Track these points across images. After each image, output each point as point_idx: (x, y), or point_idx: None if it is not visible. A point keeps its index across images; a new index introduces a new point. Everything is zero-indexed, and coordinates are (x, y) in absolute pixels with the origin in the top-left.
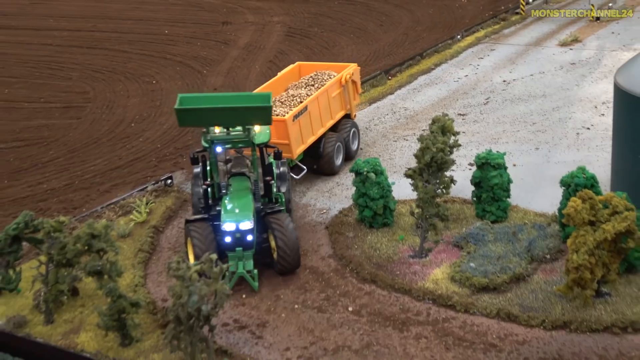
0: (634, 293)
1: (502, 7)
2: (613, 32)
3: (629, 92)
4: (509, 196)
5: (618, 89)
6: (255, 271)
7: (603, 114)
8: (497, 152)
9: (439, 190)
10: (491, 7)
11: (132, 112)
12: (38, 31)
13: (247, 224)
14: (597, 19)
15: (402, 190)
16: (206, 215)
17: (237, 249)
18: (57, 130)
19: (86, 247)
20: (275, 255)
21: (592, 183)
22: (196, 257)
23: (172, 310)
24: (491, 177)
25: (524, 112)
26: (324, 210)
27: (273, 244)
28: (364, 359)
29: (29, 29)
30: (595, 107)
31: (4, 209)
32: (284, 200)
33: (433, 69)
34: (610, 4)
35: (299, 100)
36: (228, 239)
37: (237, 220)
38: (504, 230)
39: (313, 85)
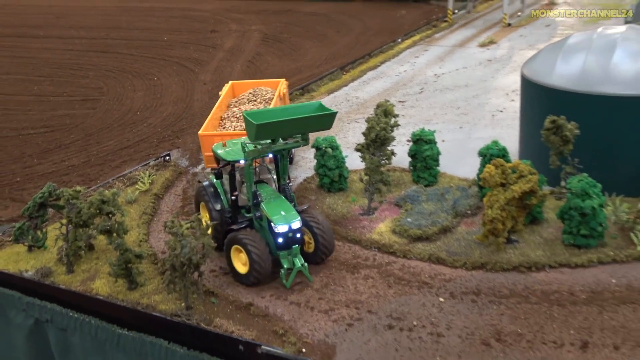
0: (536, 240)
1: (434, 17)
2: (521, 35)
3: (531, 80)
4: (438, 165)
5: (523, 78)
6: (306, 264)
7: (513, 100)
8: (429, 130)
9: (383, 161)
10: (425, 16)
11: (137, 103)
12: (62, 39)
13: (297, 223)
14: (509, 24)
15: (354, 161)
16: (245, 223)
17: (294, 246)
18: (77, 119)
19: (98, 211)
20: (311, 248)
21: (503, 153)
22: (255, 263)
23: (168, 260)
24: (424, 150)
25: (451, 99)
26: (292, 179)
27: (307, 237)
28: (324, 295)
29: (55, 37)
30: (507, 94)
31: (34, 182)
32: (295, 199)
33: (379, 65)
34: (519, 13)
35: None
36: (281, 240)
37: (288, 222)
38: (434, 192)
39: (255, 101)
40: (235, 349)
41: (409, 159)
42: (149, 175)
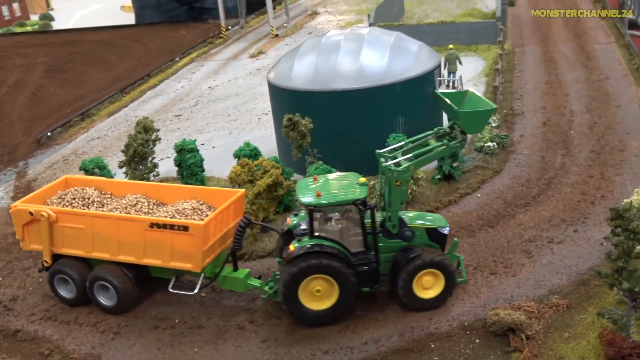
0: None
1: (211, 34)
2: (287, 44)
3: (274, 85)
4: (203, 170)
5: (269, 83)
6: None
7: None
8: (190, 140)
9: (145, 174)
10: (203, 35)
11: None
12: None
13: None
14: (276, 35)
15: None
16: (417, 250)
17: (455, 239)
18: None
19: None
20: None
21: (255, 153)
22: (453, 278)
23: None
24: (187, 159)
25: (223, 108)
26: None
27: None
28: (93, 309)
29: None
30: None
31: None
32: None
33: (158, 84)
34: (285, 25)
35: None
36: (445, 242)
37: (446, 222)
38: None
39: (83, 198)
40: None
41: (177, 169)
42: None
